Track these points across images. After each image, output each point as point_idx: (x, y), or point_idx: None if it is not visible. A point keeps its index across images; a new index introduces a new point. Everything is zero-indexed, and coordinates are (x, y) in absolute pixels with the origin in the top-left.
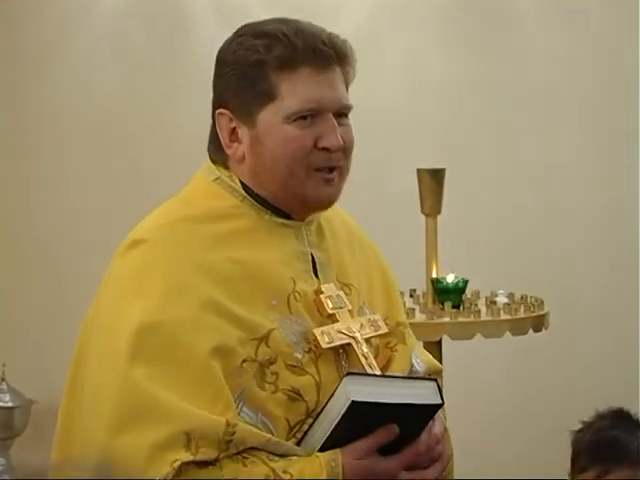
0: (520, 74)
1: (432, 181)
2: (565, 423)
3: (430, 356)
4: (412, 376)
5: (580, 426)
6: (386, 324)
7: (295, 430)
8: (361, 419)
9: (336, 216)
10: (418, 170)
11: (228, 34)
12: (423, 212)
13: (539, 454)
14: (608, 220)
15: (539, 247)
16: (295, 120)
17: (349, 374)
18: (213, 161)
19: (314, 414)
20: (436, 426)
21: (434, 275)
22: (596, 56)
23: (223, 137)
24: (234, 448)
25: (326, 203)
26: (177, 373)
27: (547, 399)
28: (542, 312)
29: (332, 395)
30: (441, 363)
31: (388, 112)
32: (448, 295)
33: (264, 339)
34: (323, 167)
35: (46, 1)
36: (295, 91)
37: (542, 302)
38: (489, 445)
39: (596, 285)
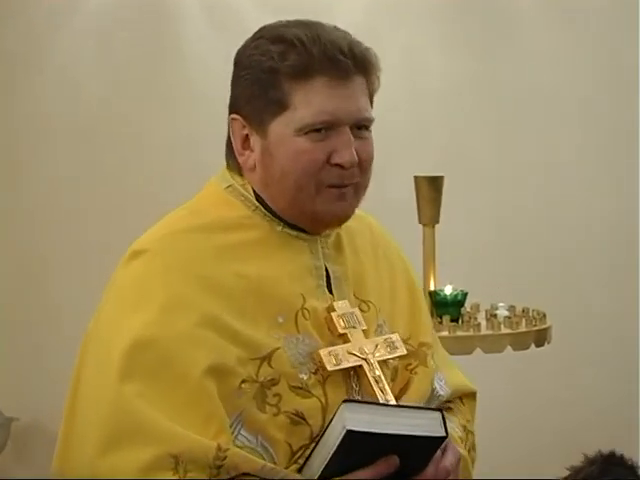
0: (520, 75)
1: (430, 189)
2: (566, 438)
3: (462, 377)
4: (416, 405)
5: (567, 472)
6: (409, 344)
7: (298, 455)
8: (359, 449)
9: (362, 227)
10: (415, 177)
11: (217, 33)
12: (420, 221)
13: (540, 469)
14: (610, 229)
15: (541, 258)
16: (307, 133)
17: (346, 401)
18: (229, 166)
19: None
20: (447, 458)
21: (432, 287)
22: (596, 56)
23: (236, 144)
24: (225, 474)
25: (339, 219)
26: (169, 392)
27: (548, 414)
28: (544, 326)
29: (330, 422)
30: None
31: (384, 116)
32: (446, 308)
33: (266, 359)
34: (335, 185)
35: (31, 1)
36: (309, 102)
37: (544, 315)
38: (490, 460)
39: (599, 296)
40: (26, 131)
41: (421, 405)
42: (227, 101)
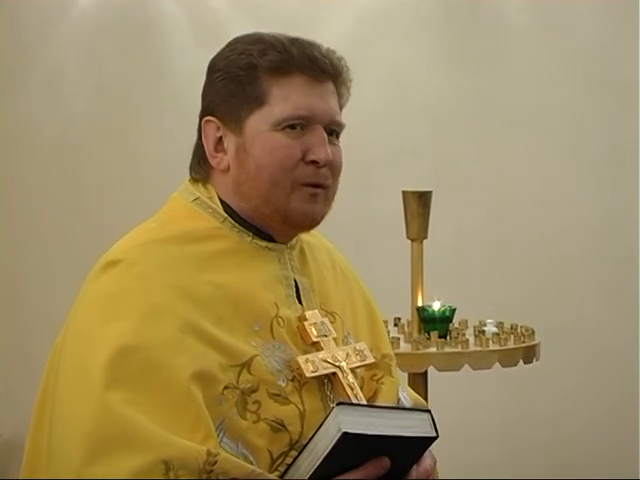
0: (510, 88)
1: (418, 204)
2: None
3: (415, 394)
4: (405, 407)
5: None
6: (372, 355)
7: (278, 463)
8: (351, 451)
9: (318, 243)
10: (403, 192)
11: (203, 44)
12: (408, 237)
13: None
14: (604, 243)
15: (530, 273)
16: (284, 128)
17: (340, 404)
18: (194, 180)
19: (297, 446)
20: (427, 460)
21: (420, 303)
22: (587, 70)
23: (208, 146)
24: (215, 479)
25: (309, 221)
26: (156, 398)
27: (539, 430)
28: (533, 342)
29: (321, 426)
30: (427, 395)
31: (372, 129)
32: (434, 324)
33: (246, 365)
34: (309, 183)
35: (14, 15)
36: (286, 97)
37: (533, 332)
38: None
39: (589, 311)
40: (7, 143)
41: (410, 407)
42: None
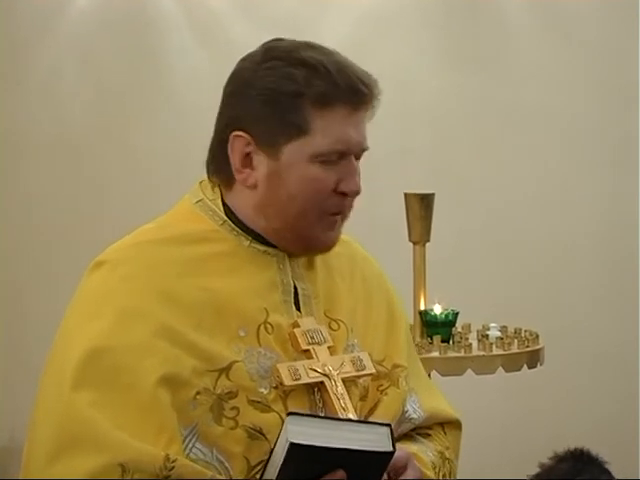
0: (513, 90)
1: (420, 207)
2: None
3: (444, 404)
4: (365, 420)
5: (537, 470)
6: (382, 366)
7: (255, 471)
8: (307, 463)
9: (342, 250)
10: (406, 195)
11: (202, 45)
12: (411, 239)
13: None
14: (605, 244)
15: (533, 276)
16: (321, 161)
17: (291, 414)
18: (210, 180)
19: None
20: (407, 473)
21: (422, 307)
22: (589, 71)
23: (235, 161)
24: None
25: (328, 248)
26: (121, 400)
27: (541, 434)
28: (537, 347)
29: (278, 436)
30: None
31: (373, 132)
32: (437, 328)
33: (224, 371)
34: (335, 212)
35: (12, 14)
36: (327, 130)
37: (537, 336)
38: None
39: (593, 314)
40: (6, 143)
41: (371, 420)
42: (213, 112)
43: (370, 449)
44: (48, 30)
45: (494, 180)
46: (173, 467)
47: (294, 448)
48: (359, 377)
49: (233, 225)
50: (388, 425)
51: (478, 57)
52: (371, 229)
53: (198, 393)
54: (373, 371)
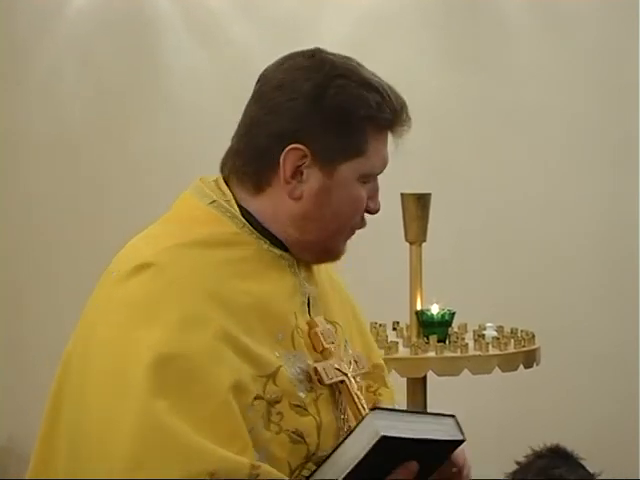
0: (512, 89)
1: (417, 206)
2: None
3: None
4: (431, 412)
5: (515, 467)
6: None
7: (295, 474)
8: (384, 456)
9: None
10: (402, 195)
11: (200, 45)
12: (407, 239)
13: None
14: (604, 245)
15: (530, 276)
16: (362, 181)
17: (375, 409)
18: (227, 182)
19: (314, 458)
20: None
21: (418, 307)
22: (588, 71)
23: (285, 171)
24: None
25: (339, 258)
26: (197, 408)
27: (542, 438)
28: (533, 347)
29: (351, 432)
30: (426, 400)
31: None
32: (433, 328)
33: (272, 377)
34: (359, 228)
35: (10, 14)
36: (378, 152)
37: (533, 336)
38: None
39: (590, 314)
40: (5, 143)
41: (434, 412)
42: (213, 112)
43: (447, 438)
44: (47, 30)
45: (493, 180)
46: (258, 474)
47: (383, 441)
48: (361, 378)
49: (252, 228)
50: (453, 416)
51: (478, 57)
52: (368, 229)
53: (255, 398)
54: (367, 369)
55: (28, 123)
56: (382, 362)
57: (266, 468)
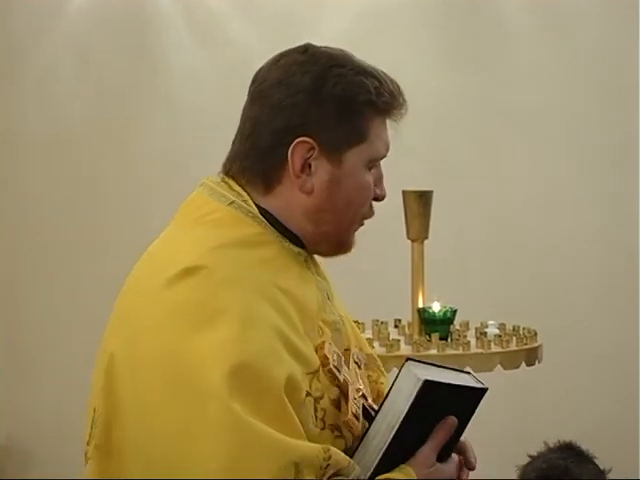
0: (511, 89)
1: (419, 204)
2: None
3: None
4: (452, 367)
5: (528, 460)
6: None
7: None
8: (425, 407)
9: None
10: (404, 192)
11: (200, 44)
12: (409, 237)
13: None
14: (604, 244)
15: (531, 274)
16: (369, 167)
17: (409, 359)
18: (236, 182)
19: (349, 452)
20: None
21: (420, 304)
22: (588, 71)
23: (294, 165)
24: (327, 473)
25: (350, 250)
26: (265, 408)
27: (542, 437)
28: (535, 344)
29: (390, 390)
30: None
31: None
32: (435, 326)
33: (316, 373)
34: (368, 216)
35: (9, 13)
36: (379, 136)
37: (535, 333)
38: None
39: (591, 312)
40: (4, 143)
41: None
42: (212, 111)
43: (479, 386)
44: (45, 29)
45: (494, 179)
46: (330, 456)
47: (426, 386)
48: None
49: (273, 228)
50: (469, 372)
51: (478, 57)
52: (370, 227)
53: (306, 395)
54: (364, 360)
55: (26, 122)
56: (372, 352)
57: (334, 450)
